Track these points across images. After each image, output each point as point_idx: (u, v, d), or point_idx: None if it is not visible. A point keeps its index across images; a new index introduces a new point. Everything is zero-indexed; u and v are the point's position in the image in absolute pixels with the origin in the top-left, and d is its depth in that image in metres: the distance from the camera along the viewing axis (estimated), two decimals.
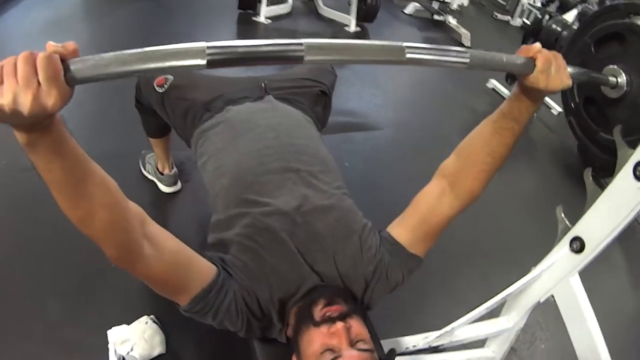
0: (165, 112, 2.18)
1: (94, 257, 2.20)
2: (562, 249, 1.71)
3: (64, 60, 0.82)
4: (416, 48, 1.08)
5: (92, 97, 3.51)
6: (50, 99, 0.79)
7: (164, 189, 2.94)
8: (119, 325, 2.16)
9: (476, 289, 2.97)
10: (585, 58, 1.68)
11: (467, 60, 1.15)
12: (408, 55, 1.07)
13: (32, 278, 2.30)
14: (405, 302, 2.61)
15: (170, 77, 2.15)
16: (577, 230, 1.65)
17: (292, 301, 1.50)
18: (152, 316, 2.22)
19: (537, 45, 1.24)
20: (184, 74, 2.20)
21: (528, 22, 4.95)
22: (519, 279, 1.85)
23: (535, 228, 3.57)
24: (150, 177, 2.96)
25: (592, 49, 1.68)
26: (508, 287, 1.83)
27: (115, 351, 1.81)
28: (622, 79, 1.52)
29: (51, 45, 0.82)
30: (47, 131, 0.88)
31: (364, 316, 1.48)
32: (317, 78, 2.36)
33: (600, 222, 1.57)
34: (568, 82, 1.27)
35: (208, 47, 0.89)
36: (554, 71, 1.23)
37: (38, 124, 0.85)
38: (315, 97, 2.30)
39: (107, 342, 2.09)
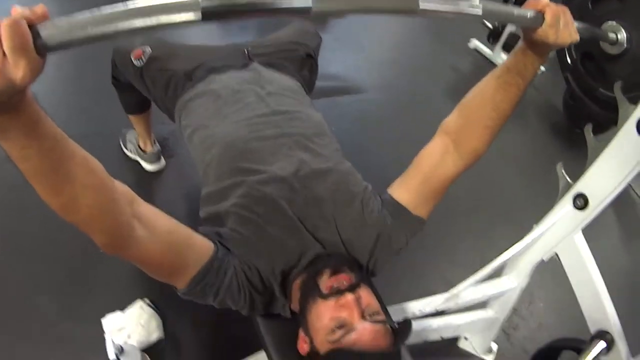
0: (145, 86, 2.09)
1: (80, 247, 2.20)
2: (565, 207, 1.69)
3: (32, 26, 0.69)
4: None
5: (64, 74, 3.43)
6: (18, 71, 0.69)
7: (148, 167, 2.87)
8: (113, 312, 2.11)
9: (475, 250, 2.98)
10: (583, 14, 1.62)
11: (480, 12, 1.09)
12: (422, 6, 0.99)
13: (20, 274, 2.25)
14: (405, 267, 2.59)
15: (148, 49, 2.05)
16: (580, 187, 1.63)
17: (295, 272, 1.45)
18: (146, 299, 2.17)
19: None
20: (162, 45, 2.12)
21: None
22: (516, 237, 1.85)
23: (528, 185, 3.59)
24: (132, 156, 2.88)
25: (589, 5, 1.64)
26: (506, 245, 1.83)
27: (113, 342, 1.76)
28: (622, 35, 1.49)
29: (16, 9, 0.69)
30: (18, 111, 0.78)
31: (371, 284, 1.44)
32: (301, 41, 2.28)
33: (603, 179, 1.55)
34: (576, 37, 1.24)
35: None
36: (563, 25, 1.19)
37: (7, 103, 0.75)
38: (301, 61, 2.23)
39: (104, 332, 2.05)
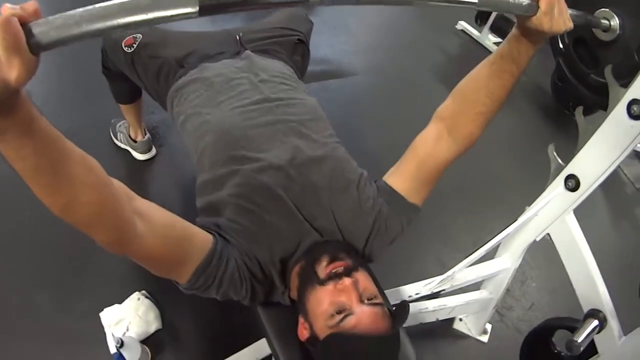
0: (136, 73, 2.08)
1: (75, 243, 2.20)
2: (556, 188, 1.71)
3: (24, 24, 0.66)
4: None
5: (53, 66, 3.40)
6: (13, 72, 0.66)
7: (139, 156, 2.86)
8: (111, 306, 2.13)
9: (467, 232, 3.02)
10: (577, 0, 1.57)
11: (476, 0, 1.10)
12: None
13: (15, 270, 2.25)
14: (399, 250, 2.60)
15: (139, 36, 2.04)
16: (571, 168, 1.65)
17: (293, 260, 1.46)
18: (143, 291, 2.19)
19: None
20: (153, 32, 2.11)
21: None
22: (507, 218, 1.87)
23: (518, 167, 3.61)
24: (123, 146, 2.88)
25: None
26: (498, 226, 1.86)
27: (113, 335, 1.77)
28: (615, 22, 1.48)
29: (7, 7, 0.65)
30: (13, 112, 0.75)
31: (368, 269, 1.45)
32: (293, 26, 2.27)
33: (594, 160, 1.57)
34: (570, 25, 1.25)
35: None
36: (557, 14, 1.20)
37: (1, 104, 0.72)
38: (293, 46, 2.23)
39: (102, 326, 2.06)
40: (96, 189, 0.96)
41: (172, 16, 0.75)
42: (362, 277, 1.35)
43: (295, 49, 2.23)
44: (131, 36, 2.04)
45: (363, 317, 1.26)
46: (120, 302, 2.14)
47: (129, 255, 1.12)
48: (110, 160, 2.80)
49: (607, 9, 1.48)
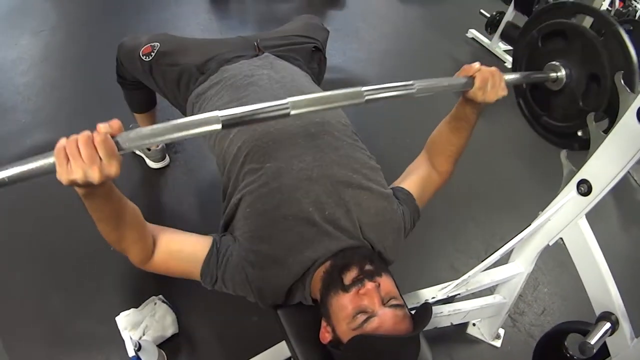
0: (154, 81, 2.11)
1: (90, 248, 2.23)
2: (569, 193, 1.72)
3: (112, 136, 1.02)
4: (372, 90, 1.34)
5: (68, 73, 3.48)
6: (112, 169, 1.01)
7: (152, 164, 2.89)
8: (127, 310, 2.15)
9: (479, 237, 3.03)
10: (532, 50, 1.83)
11: (414, 91, 1.42)
12: (367, 97, 1.33)
13: (32, 275, 2.28)
14: (412, 256, 2.63)
15: (157, 44, 2.06)
16: (584, 173, 1.66)
17: (317, 263, 1.47)
18: (160, 296, 2.21)
19: (476, 64, 1.51)
20: (170, 39, 2.13)
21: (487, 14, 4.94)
22: (518, 223, 1.89)
23: (529, 172, 3.61)
24: (137, 152, 2.91)
25: (539, 43, 1.79)
26: (509, 231, 1.88)
27: (131, 338, 1.79)
28: (562, 73, 1.70)
29: (102, 127, 1.02)
30: (103, 187, 1.09)
31: (390, 273, 1.47)
32: (309, 34, 2.29)
33: (606, 165, 1.59)
34: (503, 94, 1.54)
35: (221, 116, 1.15)
36: (490, 87, 1.50)
37: (101, 185, 1.05)
38: (310, 54, 2.24)
39: (117, 330, 2.09)
40: (137, 227, 1.34)
41: (205, 131, 1.15)
42: (384, 281, 1.37)
43: (312, 57, 2.24)
44: (149, 44, 2.06)
45: (386, 319, 1.29)
46: (136, 307, 2.16)
47: (152, 269, 1.44)
48: (125, 167, 2.79)
49: (555, 62, 1.73)
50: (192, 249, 1.46)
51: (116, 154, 1.02)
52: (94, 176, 1.00)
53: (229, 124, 1.16)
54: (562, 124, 1.78)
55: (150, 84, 2.15)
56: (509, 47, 4.91)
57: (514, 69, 1.92)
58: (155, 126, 1.08)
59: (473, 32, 5.23)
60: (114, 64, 2.32)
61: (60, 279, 2.27)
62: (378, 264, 1.44)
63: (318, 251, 1.46)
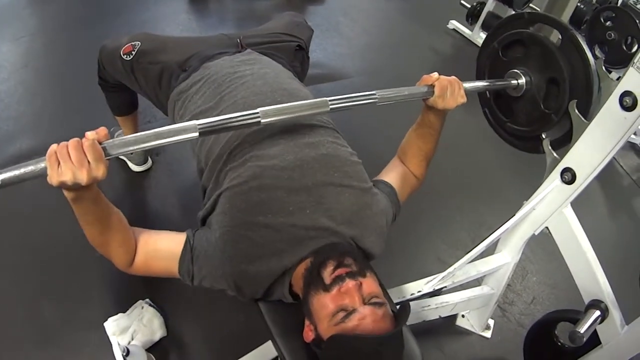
0: (136, 81, 2.08)
1: (76, 253, 2.18)
2: (553, 181, 1.73)
3: (99, 143, 1.13)
4: (336, 100, 1.48)
5: (48, 76, 3.45)
6: (99, 172, 1.12)
7: (135, 168, 2.87)
8: (115, 315, 2.13)
9: (466, 228, 3.04)
10: (494, 61, 1.93)
11: (377, 100, 1.55)
12: (331, 106, 1.46)
13: (19, 281, 2.26)
14: (398, 249, 2.63)
15: (138, 43, 2.03)
16: (567, 161, 1.66)
17: (295, 265, 1.46)
18: (146, 299, 2.19)
19: (435, 74, 1.63)
20: (152, 38, 2.10)
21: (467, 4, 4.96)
22: (504, 212, 1.90)
23: (513, 161, 3.58)
24: (121, 157, 2.87)
25: (500, 54, 1.89)
26: (495, 221, 1.89)
27: (119, 344, 1.78)
28: (522, 80, 1.80)
29: (90, 134, 1.13)
30: (89, 189, 1.18)
31: (373, 271, 1.44)
32: (293, 33, 2.27)
33: (589, 153, 1.59)
34: (462, 101, 1.66)
35: (199, 125, 1.27)
36: (449, 95, 1.62)
37: (89, 187, 1.16)
38: (294, 53, 2.22)
39: (106, 335, 2.07)
40: (122, 230, 1.39)
41: (184, 139, 1.25)
42: (366, 280, 1.35)
43: (294, 56, 2.23)
44: (129, 44, 2.04)
45: (365, 316, 1.27)
46: (124, 311, 2.15)
47: (136, 272, 1.47)
48: (108, 171, 2.75)
49: (516, 70, 1.82)
50: (167, 246, 1.47)
51: (103, 158, 1.12)
52: (83, 178, 1.09)
53: (206, 132, 1.28)
54: (526, 128, 1.86)
55: (132, 84, 2.13)
56: None
57: (477, 79, 1.98)
58: (137, 134, 1.19)
59: (454, 23, 5.24)
60: (94, 69, 2.29)
61: (48, 285, 2.25)
62: (361, 262, 1.41)
63: (298, 251, 1.45)
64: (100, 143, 1.14)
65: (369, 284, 1.35)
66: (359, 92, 1.51)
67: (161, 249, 1.46)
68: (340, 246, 1.46)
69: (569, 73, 1.64)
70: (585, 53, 1.59)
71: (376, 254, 1.61)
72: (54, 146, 1.09)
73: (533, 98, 1.80)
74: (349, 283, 1.31)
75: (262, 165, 1.51)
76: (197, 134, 1.26)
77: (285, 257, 1.45)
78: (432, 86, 1.62)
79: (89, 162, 1.10)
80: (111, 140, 1.16)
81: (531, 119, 1.82)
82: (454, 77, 1.65)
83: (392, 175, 1.79)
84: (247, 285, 1.47)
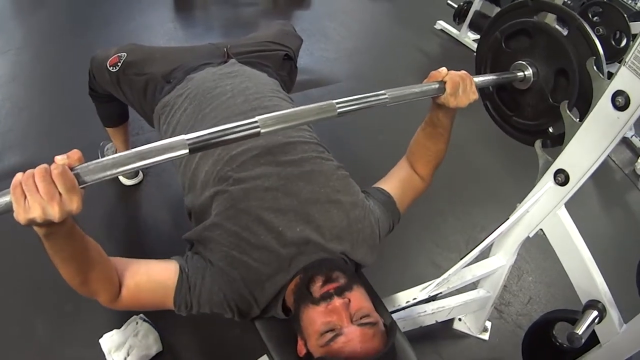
0: (122, 92, 2.06)
1: None
2: (546, 183, 1.72)
3: (72, 168, 0.94)
4: (344, 102, 1.30)
5: (38, 95, 3.41)
6: (73, 204, 0.92)
7: (125, 181, 2.84)
8: (109, 331, 2.11)
9: (459, 231, 3.02)
10: (496, 52, 1.85)
11: (387, 99, 1.39)
12: (339, 110, 1.29)
13: (13, 299, 2.23)
14: (393, 255, 2.61)
15: (124, 54, 2.02)
16: (560, 163, 1.66)
17: (285, 279, 1.44)
18: (140, 315, 2.17)
19: (443, 69, 1.51)
20: (138, 49, 2.09)
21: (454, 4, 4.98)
22: (497, 214, 1.90)
23: (506, 162, 3.62)
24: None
25: (503, 44, 1.81)
26: (489, 223, 1.89)
27: None
28: (529, 72, 1.72)
29: (59, 158, 0.93)
30: (63, 225, 0.99)
31: (364, 285, 1.43)
32: (282, 42, 2.26)
33: (582, 154, 1.59)
34: (474, 97, 1.55)
35: (188, 140, 1.06)
36: (462, 92, 1.50)
37: (62, 223, 0.96)
38: (281, 62, 2.20)
39: (102, 352, 2.05)
40: (102, 265, 1.23)
41: (172, 157, 1.05)
42: (355, 296, 1.33)
43: (282, 65, 2.21)
44: (116, 55, 2.02)
45: (352, 337, 1.25)
46: (118, 327, 2.12)
47: (123, 307, 1.35)
48: (99, 186, 2.75)
49: (522, 61, 1.74)
50: (159, 278, 1.37)
51: (76, 187, 0.93)
52: (54, 213, 0.90)
53: (197, 147, 1.09)
54: (533, 122, 1.79)
55: (119, 95, 2.11)
56: (478, 37, 4.91)
57: (477, 73, 1.92)
58: (117, 155, 0.99)
59: (441, 24, 5.26)
60: (83, 81, 2.28)
61: (41, 303, 2.22)
62: (350, 276, 1.40)
63: (291, 269, 1.44)
64: (72, 169, 0.94)
65: (358, 299, 1.33)
66: (369, 92, 1.36)
67: (154, 280, 1.36)
68: (329, 262, 1.45)
69: (577, 63, 1.56)
70: (595, 43, 1.53)
71: (368, 264, 1.61)
72: (18, 176, 0.91)
73: (540, 90, 1.72)
74: (337, 301, 1.29)
75: (245, 188, 1.50)
76: (187, 150, 1.05)
77: (280, 277, 1.43)
78: (442, 82, 1.50)
79: (60, 193, 0.91)
80: (85, 165, 0.96)
81: (538, 112, 1.76)
82: (464, 71, 1.54)
83: (393, 180, 1.75)
84: (247, 307, 1.45)
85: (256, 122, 1.16)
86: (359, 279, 1.45)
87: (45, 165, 0.91)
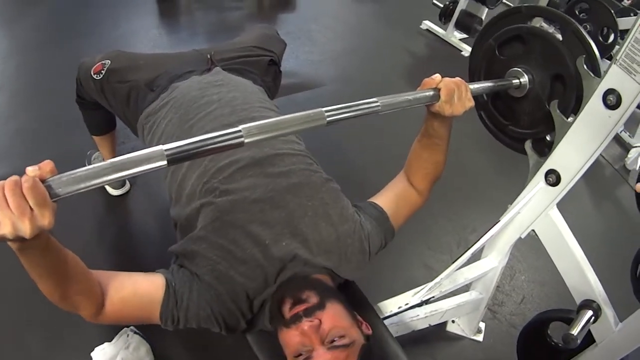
0: (107, 100, 2.04)
1: None
2: (537, 184, 1.70)
3: (44, 181, 0.87)
4: (333, 110, 1.24)
5: (25, 104, 3.38)
6: (45, 219, 0.86)
7: (112, 191, 2.81)
8: (101, 344, 2.08)
9: (451, 232, 3.01)
10: (490, 60, 1.80)
11: (379, 107, 1.33)
12: (329, 118, 1.23)
13: (4, 314, 2.21)
14: (384, 258, 2.57)
15: (108, 62, 2.00)
16: (551, 163, 1.64)
17: (269, 293, 1.43)
18: (132, 327, 2.15)
19: (437, 76, 1.45)
20: (122, 56, 2.07)
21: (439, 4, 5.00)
22: (489, 214, 1.89)
23: (497, 162, 3.62)
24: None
25: (496, 52, 1.76)
26: (480, 223, 1.89)
27: None
28: (525, 79, 1.68)
29: (30, 170, 0.87)
30: (37, 240, 0.92)
31: (340, 301, 1.39)
32: (266, 46, 2.24)
33: (573, 154, 1.57)
34: (470, 105, 1.49)
35: (166, 150, 0.99)
36: (457, 99, 1.44)
37: (35, 238, 0.90)
38: (266, 67, 2.19)
39: None
40: (82, 279, 1.18)
41: (149, 169, 0.98)
42: (328, 315, 1.30)
43: (267, 70, 2.20)
44: (100, 63, 2.00)
45: None
46: (110, 340, 2.10)
47: (107, 321, 1.30)
48: (85, 193, 2.73)
49: (517, 68, 1.69)
50: (146, 292, 1.33)
51: (48, 201, 0.86)
52: (25, 229, 0.85)
53: (176, 158, 1.02)
54: (530, 130, 1.75)
55: (104, 103, 2.09)
56: (465, 36, 4.94)
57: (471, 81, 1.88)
58: (91, 167, 0.92)
59: (427, 24, 5.26)
60: (69, 89, 2.27)
61: (33, 316, 2.20)
62: (323, 294, 1.36)
63: (275, 287, 1.42)
64: (44, 181, 0.88)
65: (331, 319, 1.29)
66: (347, 102, 1.29)
67: (140, 294, 1.32)
68: (300, 280, 1.42)
69: (574, 68, 1.53)
70: (592, 47, 1.50)
71: (356, 278, 1.62)
72: None
73: (537, 97, 1.68)
74: (305, 324, 1.26)
75: (232, 200, 1.48)
76: (165, 162, 0.99)
77: (265, 291, 1.42)
78: (437, 90, 1.43)
79: (31, 208, 0.85)
80: (58, 177, 0.90)
81: (535, 120, 1.71)
82: (458, 78, 1.47)
83: (388, 195, 1.71)
84: (234, 322, 1.42)
85: (239, 131, 1.11)
86: (336, 294, 1.42)
87: (15, 178, 0.85)
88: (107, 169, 0.94)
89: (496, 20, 1.79)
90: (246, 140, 1.11)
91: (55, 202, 0.89)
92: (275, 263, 1.42)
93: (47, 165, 0.89)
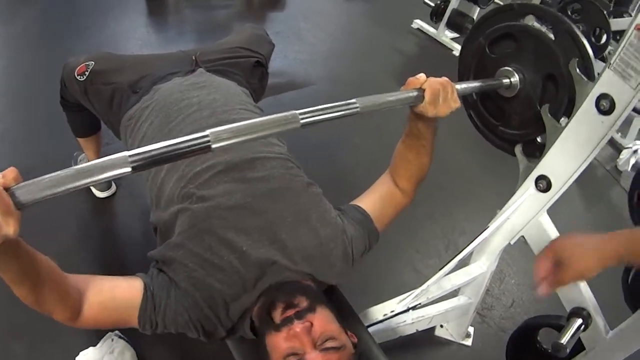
0: (90, 103, 2.01)
1: None
2: (527, 190, 1.68)
3: (7, 189, 0.86)
4: (308, 112, 1.19)
5: (12, 106, 3.36)
6: (9, 229, 0.84)
7: (98, 194, 2.78)
8: (85, 349, 2.06)
9: (439, 235, 2.98)
10: (480, 59, 1.78)
11: (358, 109, 1.28)
12: (303, 121, 1.18)
13: None
14: (372, 262, 2.60)
15: (92, 63, 1.97)
16: (542, 169, 1.62)
17: (249, 301, 1.40)
18: (116, 332, 2.13)
19: (421, 75, 1.41)
20: (107, 57, 2.04)
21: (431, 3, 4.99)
22: (477, 217, 1.87)
23: (485, 164, 3.58)
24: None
25: (487, 50, 1.74)
26: (469, 226, 1.86)
27: None
28: (515, 78, 1.65)
29: None
30: (4, 246, 0.89)
31: (329, 306, 1.38)
32: (253, 48, 2.22)
33: (565, 159, 1.55)
34: (456, 106, 1.45)
35: (130, 156, 0.97)
36: (442, 100, 1.40)
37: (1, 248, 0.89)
38: (251, 69, 2.16)
39: None
40: (56, 283, 1.16)
41: (113, 176, 0.96)
42: (319, 318, 1.29)
43: (253, 72, 2.18)
44: (84, 64, 1.97)
45: None
46: (94, 345, 2.08)
47: (84, 325, 1.28)
48: (70, 195, 2.70)
49: (508, 67, 1.67)
50: (124, 296, 1.32)
51: (12, 210, 0.85)
52: None
53: (141, 165, 0.99)
54: (520, 131, 1.73)
55: (88, 105, 2.07)
56: (456, 35, 4.94)
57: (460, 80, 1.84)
58: (54, 175, 0.91)
59: (418, 23, 5.25)
60: (57, 90, 2.23)
61: (16, 322, 2.17)
62: (313, 298, 1.35)
63: (255, 293, 1.39)
64: (7, 189, 0.86)
65: (321, 322, 1.28)
66: (335, 102, 1.25)
67: (119, 298, 1.31)
68: (290, 285, 1.40)
69: (567, 69, 1.50)
70: (586, 49, 1.48)
71: (339, 284, 1.59)
72: None
73: (528, 98, 1.65)
74: (297, 326, 1.25)
75: (208, 207, 1.45)
76: (129, 169, 0.97)
77: (245, 298, 1.39)
78: (421, 90, 1.39)
79: None
80: (22, 185, 0.89)
81: (526, 120, 1.68)
82: (444, 78, 1.42)
83: (372, 197, 1.68)
84: (212, 328, 1.40)
85: (207, 135, 1.06)
86: (325, 299, 1.41)
87: None
88: (72, 177, 0.92)
89: (487, 17, 1.76)
90: (214, 145, 1.07)
91: (19, 211, 0.87)
92: (252, 269, 1.39)
93: (11, 172, 0.88)
